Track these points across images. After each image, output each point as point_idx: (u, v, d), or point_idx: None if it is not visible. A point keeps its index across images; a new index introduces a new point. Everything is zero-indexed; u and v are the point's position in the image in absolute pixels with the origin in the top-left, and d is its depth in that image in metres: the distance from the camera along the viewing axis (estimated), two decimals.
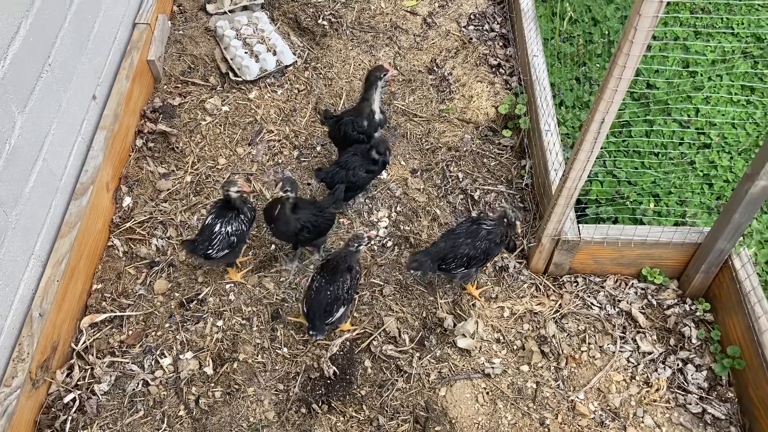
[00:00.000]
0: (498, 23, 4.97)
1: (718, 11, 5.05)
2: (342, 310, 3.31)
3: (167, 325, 3.52)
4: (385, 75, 3.84)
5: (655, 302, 3.65)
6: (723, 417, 3.26)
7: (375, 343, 3.48)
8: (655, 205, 3.91)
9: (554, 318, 3.60)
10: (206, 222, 3.46)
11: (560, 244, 3.57)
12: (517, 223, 3.33)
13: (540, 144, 3.97)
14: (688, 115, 4.39)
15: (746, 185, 3.14)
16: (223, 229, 3.40)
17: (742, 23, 4.98)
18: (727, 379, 3.38)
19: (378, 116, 3.90)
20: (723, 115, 4.44)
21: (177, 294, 3.64)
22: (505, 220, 3.35)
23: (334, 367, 3.38)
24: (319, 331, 3.27)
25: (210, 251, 3.41)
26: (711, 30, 4.97)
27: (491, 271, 3.77)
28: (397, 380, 3.37)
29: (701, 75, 4.63)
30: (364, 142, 3.91)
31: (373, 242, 3.85)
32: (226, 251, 3.45)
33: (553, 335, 3.53)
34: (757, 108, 4.47)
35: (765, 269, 3.82)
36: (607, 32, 4.79)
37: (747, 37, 4.93)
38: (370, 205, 4.03)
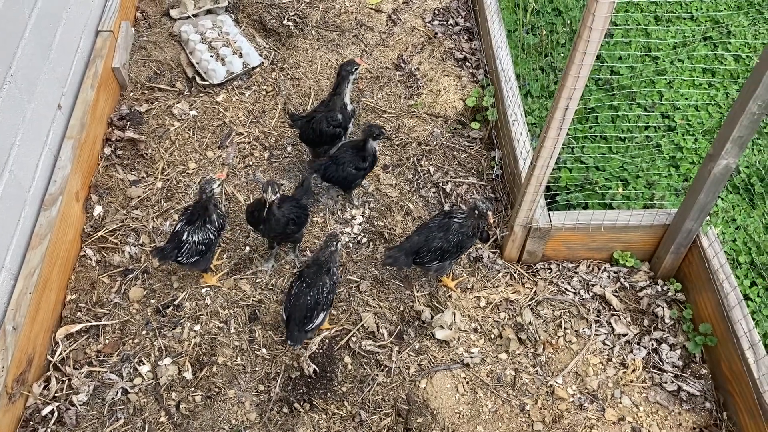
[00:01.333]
0: (462, 17, 5.01)
1: None
2: (322, 315, 3.31)
3: (144, 332, 3.49)
4: (356, 69, 3.87)
5: (627, 285, 3.71)
6: (698, 393, 3.33)
7: (354, 339, 3.50)
8: (623, 189, 3.97)
9: (530, 305, 3.65)
10: (175, 229, 3.45)
11: (532, 232, 3.62)
12: (489, 213, 3.36)
13: (508, 134, 4.02)
14: (652, 100, 4.47)
15: (709, 165, 3.21)
16: (190, 237, 3.39)
17: (701, 8, 5.08)
18: (701, 356, 3.45)
19: (350, 107, 3.94)
20: (686, 98, 4.53)
21: (153, 301, 3.62)
22: (476, 211, 3.38)
23: (314, 366, 3.39)
24: (296, 341, 3.26)
25: (180, 258, 3.40)
26: (671, 15, 5.06)
27: (466, 262, 3.81)
28: (377, 375, 3.39)
29: (663, 60, 4.71)
30: (340, 136, 3.94)
31: (348, 239, 3.87)
32: (196, 257, 3.44)
33: (530, 322, 3.57)
34: (718, 90, 4.56)
35: (733, 247, 3.90)
36: (569, 22, 4.85)
37: (706, 21, 5.03)
38: (343, 203, 4.04)
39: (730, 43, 4.86)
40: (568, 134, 4.06)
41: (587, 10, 2.71)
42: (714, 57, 4.79)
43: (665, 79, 4.59)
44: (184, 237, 3.39)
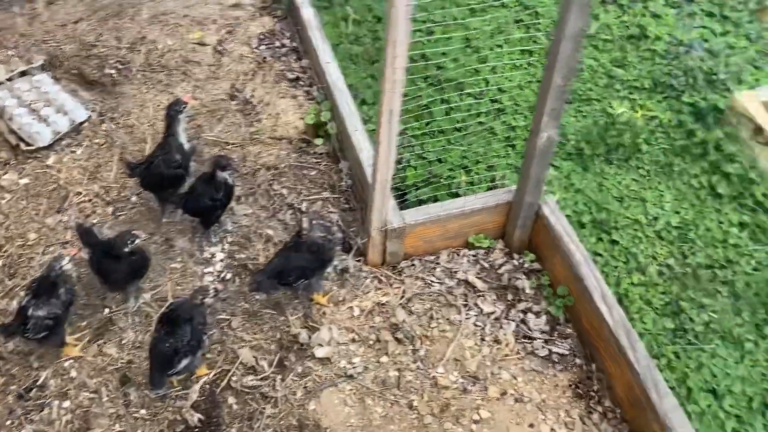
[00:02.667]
0: (288, 38, 5.05)
1: None
2: (185, 361, 3.23)
3: (9, 422, 3.25)
4: (184, 107, 3.82)
5: (487, 265, 3.89)
6: (567, 352, 3.54)
7: (234, 377, 3.43)
8: (467, 177, 4.16)
9: (401, 304, 3.73)
10: (21, 304, 3.27)
11: (389, 233, 3.71)
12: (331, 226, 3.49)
13: (350, 145, 4.10)
14: (479, 88, 4.71)
15: (533, 140, 3.43)
16: (36, 312, 3.22)
17: None
18: (564, 317, 3.68)
19: (187, 146, 3.88)
20: (509, 80, 4.81)
21: (13, 387, 3.38)
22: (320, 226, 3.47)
23: (198, 414, 3.29)
24: (157, 386, 3.17)
25: (27, 334, 3.21)
26: (483, 5, 5.35)
27: (333, 275, 3.83)
28: (264, 408, 3.34)
29: (483, 48, 4.97)
30: (183, 177, 3.88)
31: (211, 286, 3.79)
32: (45, 332, 3.26)
33: (404, 320, 3.65)
34: (536, 68, 4.88)
35: (575, 209, 4.18)
36: None
37: (515, 6, 5.36)
38: (200, 242, 3.95)
39: (539, 23, 5.21)
40: (407, 134, 4.23)
41: (387, 17, 2.82)
42: (528, 38, 5.12)
43: (488, 66, 4.85)
44: (30, 312, 3.22)
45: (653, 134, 4.53)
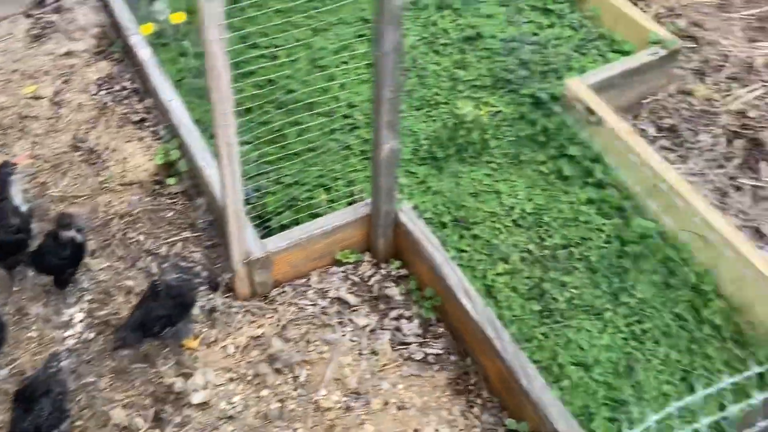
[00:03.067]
0: (128, 80, 4.91)
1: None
2: None
3: None
4: (14, 169, 3.67)
5: (357, 279, 3.92)
6: (442, 351, 3.63)
7: None
8: (327, 195, 4.19)
9: (277, 333, 3.69)
10: None
11: (253, 265, 3.66)
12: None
13: (204, 180, 4.03)
14: (329, 106, 4.76)
15: (377, 153, 3.50)
16: None
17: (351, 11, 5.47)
18: (435, 317, 3.76)
19: (24, 208, 3.70)
20: (358, 94, 4.88)
21: None
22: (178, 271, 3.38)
23: None
24: None
25: None
26: (326, 25, 5.42)
27: (202, 316, 3.74)
28: None
29: (330, 66, 5.03)
30: (25, 241, 3.70)
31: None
32: None
33: (281, 349, 3.61)
34: None
35: (435, 211, 4.28)
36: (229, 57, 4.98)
37: (356, 22, 5.46)
38: (56, 305, 3.75)
39: None
40: (261, 161, 4.21)
41: (206, 51, 2.80)
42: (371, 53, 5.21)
43: (337, 83, 4.91)
44: None
45: (499, 129, 4.73)
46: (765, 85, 4.87)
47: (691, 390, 3.53)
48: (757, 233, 4.13)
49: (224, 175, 3.20)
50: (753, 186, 4.38)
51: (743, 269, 3.65)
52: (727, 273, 3.79)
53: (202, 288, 3.71)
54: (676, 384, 3.60)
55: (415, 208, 4.28)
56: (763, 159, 4.46)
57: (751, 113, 4.70)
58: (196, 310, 3.65)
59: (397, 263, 3.95)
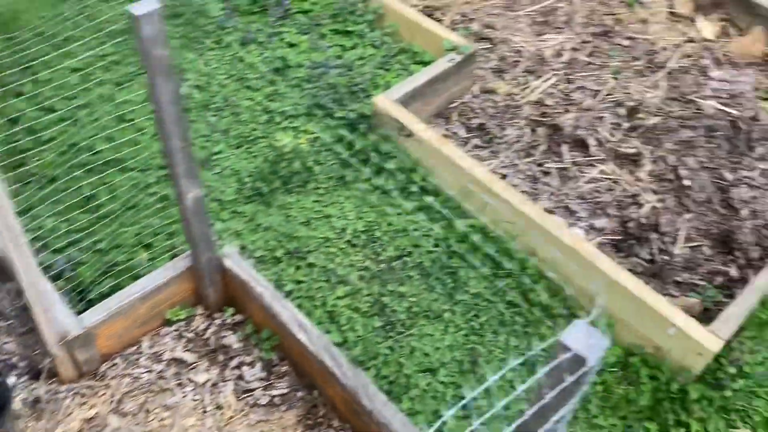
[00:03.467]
0: None
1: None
2: None
3: None
4: None
5: (191, 335, 3.78)
6: (288, 390, 3.56)
7: None
8: (147, 253, 4.02)
9: (112, 410, 3.47)
10: None
11: (72, 344, 3.43)
12: None
13: (8, 264, 3.73)
14: (139, 162, 4.58)
15: (182, 203, 3.39)
16: None
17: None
18: (278, 357, 3.69)
19: None
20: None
21: None
22: None
23: None
24: None
25: None
26: (128, 76, 5.21)
27: (27, 410, 3.45)
28: None
29: (137, 118, 4.83)
30: None
31: None
32: None
33: (118, 427, 3.40)
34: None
35: (267, 247, 4.23)
36: None
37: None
38: None
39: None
40: (70, 230, 3.97)
41: None
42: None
43: (147, 135, 4.74)
44: None
45: (320, 154, 4.76)
46: (556, 74, 5.23)
47: (532, 372, 3.70)
48: (567, 210, 4.42)
49: (13, 257, 2.98)
50: (558, 168, 4.68)
51: (555, 250, 3.89)
52: (544, 254, 4.02)
53: (21, 380, 3.43)
54: (517, 369, 3.76)
55: (244, 248, 4.23)
56: (564, 142, 4.78)
57: (548, 101, 5.03)
58: (17, 406, 3.36)
59: (231, 310, 3.85)
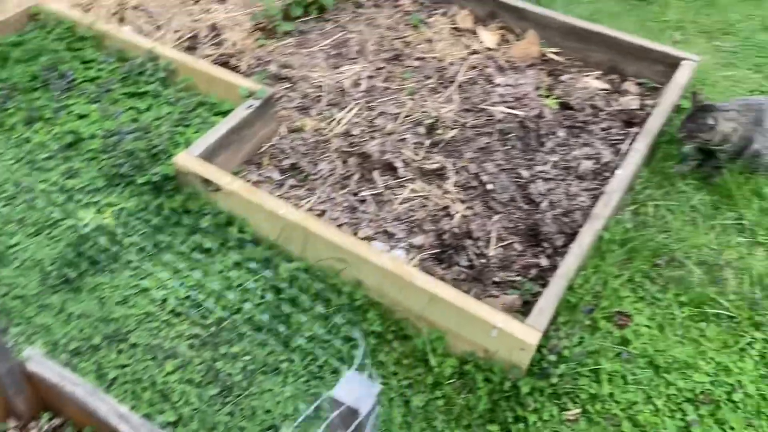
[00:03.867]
0: None
1: None
2: None
3: None
4: None
5: None
6: None
7: None
8: None
9: None
10: None
11: None
12: None
13: None
14: None
15: None
16: None
17: None
18: None
19: None
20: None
21: None
22: None
23: None
24: None
25: None
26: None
27: None
28: None
29: None
30: None
31: None
32: None
33: None
34: None
35: (83, 337, 3.94)
36: None
37: None
38: None
39: None
40: None
41: None
42: None
43: None
44: None
45: (128, 225, 4.53)
46: (357, 103, 5.35)
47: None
48: (386, 234, 4.50)
49: None
50: (373, 195, 4.76)
51: (378, 274, 3.94)
52: (370, 282, 4.06)
53: None
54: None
55: (56, 344, 3.92)
56: (374, 168, 4.88)
57: (354, 131, 5.12)
58: None
59: (47, 415, 3.52)
